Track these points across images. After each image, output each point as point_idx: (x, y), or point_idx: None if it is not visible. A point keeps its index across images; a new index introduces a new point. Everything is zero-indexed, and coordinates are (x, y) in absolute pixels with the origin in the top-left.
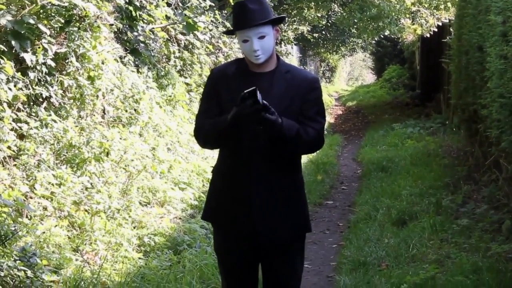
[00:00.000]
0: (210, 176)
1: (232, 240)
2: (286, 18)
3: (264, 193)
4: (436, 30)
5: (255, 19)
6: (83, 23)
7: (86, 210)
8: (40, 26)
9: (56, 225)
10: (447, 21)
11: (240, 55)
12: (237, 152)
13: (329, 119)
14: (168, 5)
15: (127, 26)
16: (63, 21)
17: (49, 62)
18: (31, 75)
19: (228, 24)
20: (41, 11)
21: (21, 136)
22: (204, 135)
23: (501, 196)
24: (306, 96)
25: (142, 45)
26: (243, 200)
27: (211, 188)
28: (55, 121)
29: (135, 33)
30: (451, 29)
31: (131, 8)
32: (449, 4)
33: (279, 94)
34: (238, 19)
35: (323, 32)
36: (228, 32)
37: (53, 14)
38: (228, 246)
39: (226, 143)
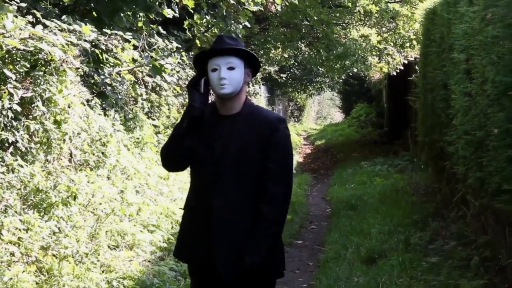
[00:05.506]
0: (179, 218)
1: (200, 279)
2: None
3: (224, 226)
4: (402, 68)
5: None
6: (48, 67)
7: (54, 255)
8: (5, 71)
9: (23, 271)
10: (413, 59)
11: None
12: (199, 185)
13: (298, 158)
14: (135, 47)
15: (93, 69)
16: (28, 65)
17: (15, 106)
18: None
19: None
20: (7, 55)
21: None
22: (166, 145)
23: (469, 232)
24: (268, 138)
25: (109, 88)
26: (205, 233)
27: (180, 224)
28: (21, 166)
29: (102, 76)
30: (416, 67)
31: (97, 51)
32: (414, 42)
33: (239, 138)
34: (212, 48)
35: (291, 70)
36: (199, 61)
37: (18, 59)
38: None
39: (184, 150)
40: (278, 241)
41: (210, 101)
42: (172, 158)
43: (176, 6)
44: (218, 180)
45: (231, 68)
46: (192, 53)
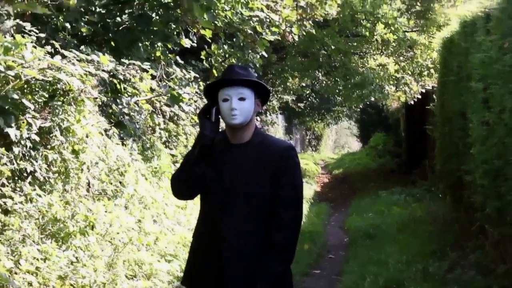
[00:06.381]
0: None
1: None
2: (270, 88)
3: (234, 254)
4: (419, 97)
5: (239, 78)
6: (67, 97)
7: (71, 285)
8: (24, 101)
9: None
10: (431, 88)
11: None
12: (209, 213)
13: (316, 187)
14: (153, 77)
15: (111, 99)
16: (47, 95)
17: (34, 136)
18: (16, 150)
19: None
20: (25, 86)
21: (6, 211)
22: (177, 173)
23: (488, 261)
24: (279, 166)
25: (127, 117)
26: (214, 261)
27: (189, 252)
28: (39, 196)
29: (120, 106)
30: (434, 96)
31: (115, 81)
32: (432, 71)
33: (249, 166)
34: (223, 78)
35: (309, 99)
36: (209, 90)
37: (37, 89)
38: None
39: (195, 177)
40: (288, 267)
41: (220, 129)
42: (183, 186)
43: (194, 36)
44: (228, 207)
45: (242, 99)
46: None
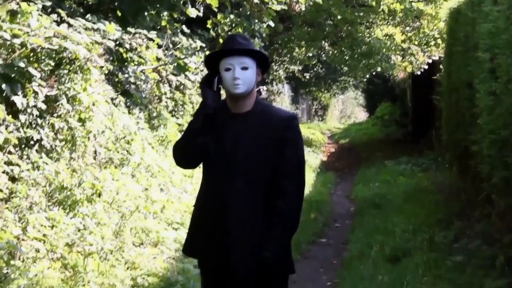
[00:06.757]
0: None
1: (211, 276)
2: (276, 58)
3: (239, 223)
4: (426, 67)
5: (241, 47)
6: (73, 65)
7: (79, 252)
8: (30, 69)
9: (49, 267)
10: (437, 58)
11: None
12: (211, 182)
13: (322, 157)
14: (159, 46)
15: (117, 67)
16: (53, 64)
17: (40, 104)
18: (22, 118)
19: None
20: (31, 54)
21: (13, 179)
22: (180, 141)
23: (494, 231)
24: (280, 135)
25: (133, 86)
26: (218, 229)
27: (191, 220)
28: (46, 163)
29: (126, 75)
30: (441, 66)
31: (121, 50)
32: (438, 41)
33: (251, 135)
34: (225, 47)
35: (315, 69)
36: (210, 63)
37: (43, 57)
38: (208, 283)
39: (197, 146)
40: (291, 237)
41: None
42: (185, 155)
43: (200, 5)
44: (231, 176)
45: (244, 68)
46: None
